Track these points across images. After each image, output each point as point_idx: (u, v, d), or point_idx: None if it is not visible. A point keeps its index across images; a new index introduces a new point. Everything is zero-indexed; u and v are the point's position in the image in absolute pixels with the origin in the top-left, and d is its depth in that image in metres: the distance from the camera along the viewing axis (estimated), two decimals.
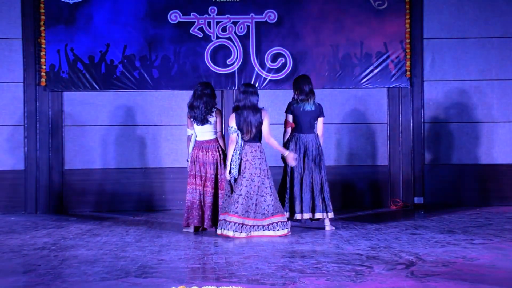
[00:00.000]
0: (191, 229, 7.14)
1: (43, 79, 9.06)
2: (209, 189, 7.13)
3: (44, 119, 9.11)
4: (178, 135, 9.15)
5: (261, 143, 6.95)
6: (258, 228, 6.72)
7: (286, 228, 6.80)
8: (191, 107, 7.17)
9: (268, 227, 6.73)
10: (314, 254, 5.70)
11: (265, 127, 6.88)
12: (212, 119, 7.15)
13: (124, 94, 9.23)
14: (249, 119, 6.78)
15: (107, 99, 9.21)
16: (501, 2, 9.44)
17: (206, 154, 7.15)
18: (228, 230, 6.67)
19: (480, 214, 8.48)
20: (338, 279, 4.68)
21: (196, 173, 7.15)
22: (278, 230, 6.74)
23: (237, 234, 6.63)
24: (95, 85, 9.13)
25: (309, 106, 7.19)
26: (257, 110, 6.85)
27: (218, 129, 7.20)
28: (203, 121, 7.12)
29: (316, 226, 7.31)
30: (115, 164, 9.23)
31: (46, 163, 9.11)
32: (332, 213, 7.20)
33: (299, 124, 7.22)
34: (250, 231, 6.69)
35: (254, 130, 6.81)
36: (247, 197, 6.72)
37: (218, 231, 6.80)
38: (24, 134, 9.09)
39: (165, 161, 9.25)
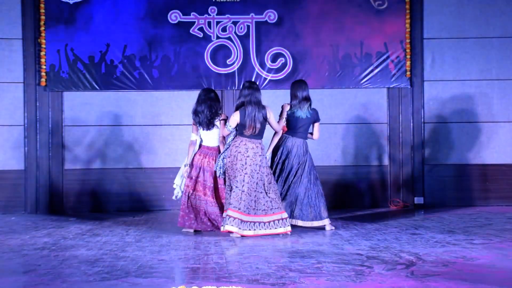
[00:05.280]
0: (191, 229, 7.13)
1: (43, 79, 9.05)
2: (200, 194, 7.08)
3: (44, 119, 9.11)
4: (178, 135, 9.15)
5: (262, 140, 6.95)
6: (260, 225, 6.69)
7: (286, 226, 6.78)
8: (195, 113, 7.11)
9: (269, 225, 6.72)
10: (314, 254, 5.70)
11: (273, 122, 6.97)
12: (219, 123, 7.12)
13: (124, 94, 9.23)
14: (254, 114, 6.78)
15: (107, 99, 9.21)
16: (501, 2, 9.44)
17: (202, 160, 7.12)
18: (232, 226, 6.65)
19: (480, 214, 8.48)
20: (338, 279, 4.68)
21: (190, 175, 7.14)
22: (276, 228, 6.73)
23: (240, 231, 6.62)
24: (95, 85, 9.13)
25: (302, 113, 7.14)
26: (262, 106, 6.87)
27: (221, 133, 7.16)
28: (209, 125, 7.07)
29: (316, 226, 7.30)
30: (115, 164, 9.23)
31: (46, 163, 9.11)
32: (302, 221, 7.06)
33: (289, 127, 7.21)
34: (253, 228, 6.68)
35: (258, 126, 6.81)
36: (248, 194, 6.72)
37: (222, 228, 6.80)
38: (24, 134, 9.09)
39: (165, 161, 9.25)
